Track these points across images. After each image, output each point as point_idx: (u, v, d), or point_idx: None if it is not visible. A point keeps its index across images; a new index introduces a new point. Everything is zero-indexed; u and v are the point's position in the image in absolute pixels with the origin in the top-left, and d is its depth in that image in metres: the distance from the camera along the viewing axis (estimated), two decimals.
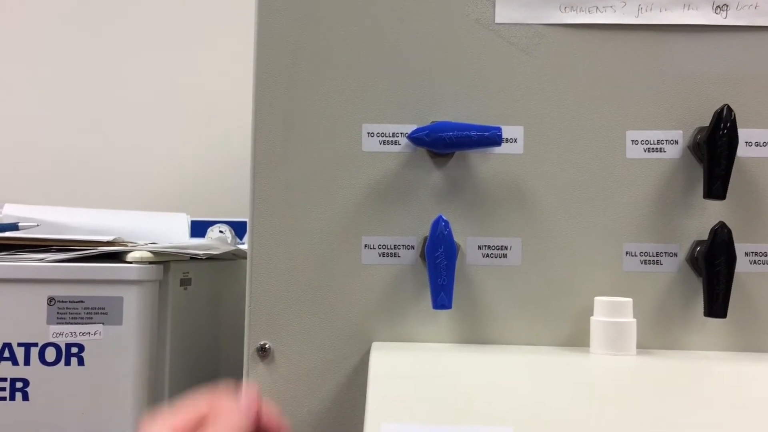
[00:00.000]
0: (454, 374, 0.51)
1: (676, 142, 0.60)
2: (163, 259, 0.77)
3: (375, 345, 0.58)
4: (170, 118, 1.39)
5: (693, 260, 0.59)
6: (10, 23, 1.40)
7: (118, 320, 0.72)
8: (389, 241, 0.59)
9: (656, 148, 0.60)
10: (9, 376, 0.71)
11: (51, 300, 0.73)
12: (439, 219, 0.56)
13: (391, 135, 0.60)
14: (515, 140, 0.60)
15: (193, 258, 0.82)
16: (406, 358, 0.55)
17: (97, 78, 1.40)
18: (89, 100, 1.39)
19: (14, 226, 0.91)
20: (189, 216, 1.16)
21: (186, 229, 1.12)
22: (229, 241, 1.17)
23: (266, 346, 0.59)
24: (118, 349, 0.72)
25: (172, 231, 1.09)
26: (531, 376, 0.52)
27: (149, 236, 0.98)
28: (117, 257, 0.77)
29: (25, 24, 1.40)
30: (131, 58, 1.40)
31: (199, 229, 1.19)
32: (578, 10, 0.60)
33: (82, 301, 0.72)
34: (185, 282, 0.82)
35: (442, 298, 0.56)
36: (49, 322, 0.72)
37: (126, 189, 1.37)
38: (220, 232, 1.21)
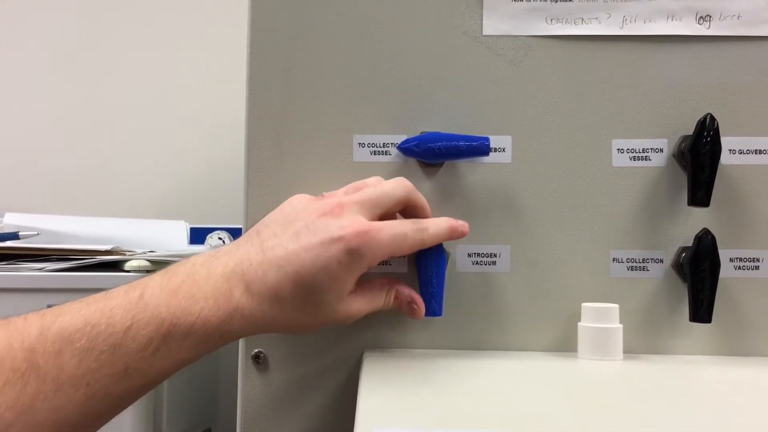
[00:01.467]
0: (443, 380, 0.52)
1: (661, 150, 0.61)
2: (161, 268, 0.78)
3: (367, 352, 0.59)
4: (169, 125, 1.40)
5: (678, 266, 0.60)
6: (6, 31, 1.42)
7: None
8: None
9: (641, 157, 0.61)
10: None
11: None
12: None
13: (381, 145, 0.61)
14: (503, 150, 0.61)
15: None
16: (397, 365, 0.56)
17: (95, 86, 1.41)
18: (87, 107, 1.41)
19: (15, 236, 0.93)
20: (188, 223, 1.17)
21: (184, 236, 1.13)
22: None
23: (261, 354, 0.60)
24: None
25: (170, 238, 1.10)
26: (520, 381, 0.53)
27: (148, 244, 0.99)
28: (115, 266, 0.79)
29: (22, 33, 1.41)
30: (128, 67, 1.41)
31: (198, 236, 1.20)
32: (564, 21, 0.61)
33: None
34: None
35: (432, 306, 0.57)
36: None
37: (125, 196, 1.38)
38: (219, 239, 1.22)
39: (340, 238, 0.50)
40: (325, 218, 0.51)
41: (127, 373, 0.47)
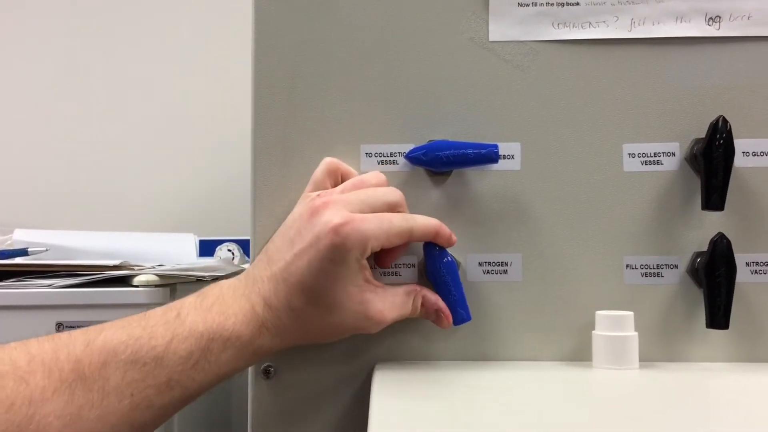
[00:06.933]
0: (457, 392, 0.51)
1: (673, 154, 0.60)
2: (170, 282, 0.78)
3: (378, 365, 0.59)
4: (177, 139, 1.40)
5: (694, 272, 0.59)
6: (17, 51, 1.42)
7: None
8: None
9: (653, 161, 0.60)
10: None
11: (59, 325, 0.73)
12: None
13: (389, 155, 0.61)
14: (512, 156, 0.60)
15: (200, 279, 0.83)
16: (408, 377, 0.55)
17: (103, 101, 1.41)
18: (94, 122, 1.41)
19: (24, 252, 0.93)
20: (196, 236, 1.17)
21: (193, 249, 1.13)
22: (236, 260, 1.18)
23: (270, 368, 0.60)
24: None
25: (179, 252, 1.10)
26: (535, 392, 0.52)
27: (157, 258, 0.99)
28: (124, 281, 0.78)
29: (32, 49, 1.42)
30: (136, 81, 1.41)
31: (207, 248, 1.20)
32: (571, 26, 0.60)
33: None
34: None
35: (460, 314, 0.57)
36: None
37: (133, 210, 1.38)
38: (228, 251, 1.22)
39: (325, 234, 0.51)
40: (312, 218, 0.53)
41: (170, 385, 0.50)
